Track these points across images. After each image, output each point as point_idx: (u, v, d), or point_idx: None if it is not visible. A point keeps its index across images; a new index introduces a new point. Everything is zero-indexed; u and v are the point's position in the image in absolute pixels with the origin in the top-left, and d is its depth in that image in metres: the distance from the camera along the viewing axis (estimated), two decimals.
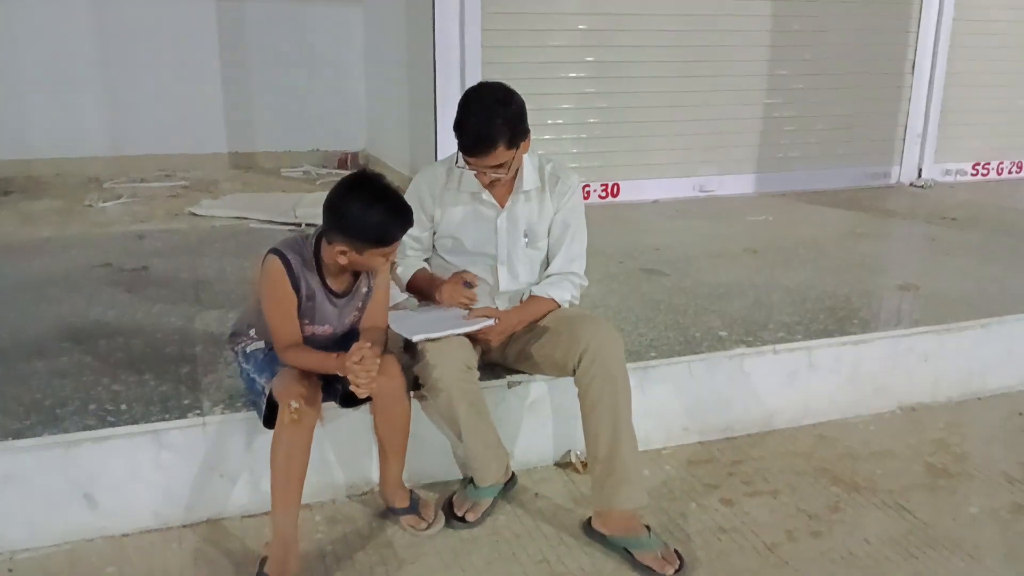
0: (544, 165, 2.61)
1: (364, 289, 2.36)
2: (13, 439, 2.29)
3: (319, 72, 6.66)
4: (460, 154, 2.45)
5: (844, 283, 3.78)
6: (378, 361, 2.16)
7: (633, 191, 5.49)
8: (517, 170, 2.52)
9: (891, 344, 3.21)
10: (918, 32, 5.85)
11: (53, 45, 6.00)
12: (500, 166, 2.41)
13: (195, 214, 4.88)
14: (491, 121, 2.34)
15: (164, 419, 2.42)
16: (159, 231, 4.54)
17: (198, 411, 2.46)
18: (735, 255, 4.23)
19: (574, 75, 5.24)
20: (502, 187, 2.53)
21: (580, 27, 5.16)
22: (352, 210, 2.14)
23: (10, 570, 2.26)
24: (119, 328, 3.11)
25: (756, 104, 5.68)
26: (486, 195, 2.54)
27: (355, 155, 6.67)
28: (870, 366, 3.20)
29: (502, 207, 2.57)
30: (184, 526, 2.46)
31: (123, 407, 2.47)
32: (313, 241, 2.26)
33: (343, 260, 2.19)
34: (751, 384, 3.04)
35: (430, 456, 2.70)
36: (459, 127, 2.38)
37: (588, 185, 5.36)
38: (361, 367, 2.12)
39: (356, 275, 2.34)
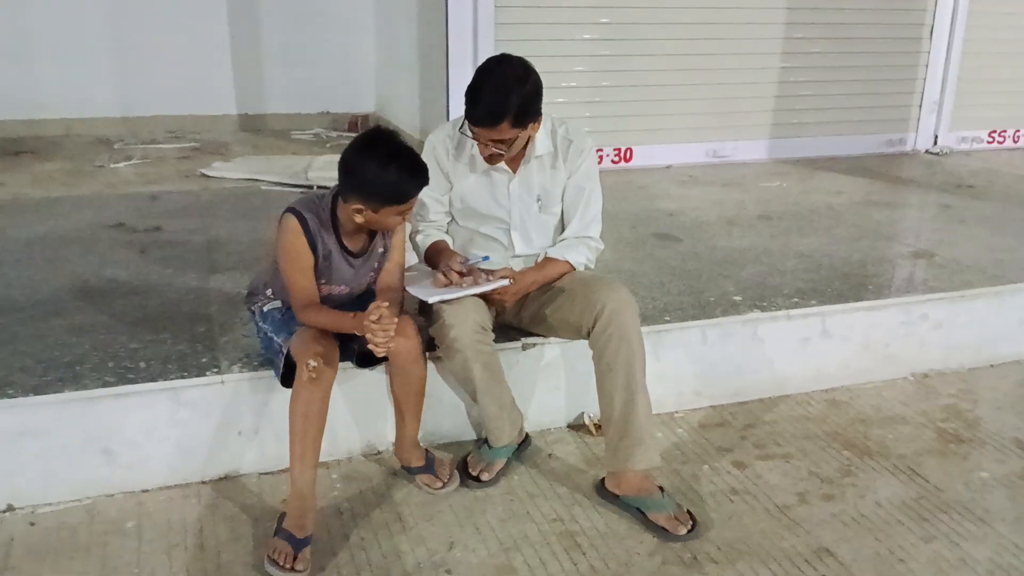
0: (557, 129, 2.58)
1: (380, 249, 2.36)
2: (33, 394, 2.31)
3: (329, 34, 6.59)
4: (466, 121, 2.43)
5: (858, 250, 3.76)
6: (395, 321, 2.17)
7: (646, 156, 5.45)
8: (528, 140, 2.49)
9: (904, 311, 3.20)
10: None
11: (63, 5, 5.95)
12: (502, 142, 2.38)
13: (206, 175, 4.87)
14: (502, 96, 2.31)
15: (182, 377, 2.43)
16: (171, 192, 4.54)
17: (216, 369, 2.48)
18: (749, 221, 4.21)
19: (588, 37, 5.18)
20: (515, 153, 2.51)
21: None
22: (368, 168, 2.13)
23: (31, 523, 2.29)
24: (134, 287, 3.12)
25: (771, 69, 5.61)
26: (493, 164, 2.52)
27: (365, 117, 6.62)
28: (883, 333, 3.20)
29: (514, 172, 2.55)
30: (202, 482, 2.49)
31: (142, 364, 2.49)
32: (330, 200, 2.26)
33: (359, 219, 2.19)
34: (764, 349, 3.05)
35: (445, 416, 2.73)
36: (470, 95, 2.35)
37: (601, 150, 5.32)
38: (379, 326, 2.13)
39: (372, 235, 2.34)
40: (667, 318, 2.94)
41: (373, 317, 2.13)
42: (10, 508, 2.33)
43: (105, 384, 2.38)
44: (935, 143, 6.06)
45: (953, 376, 3.30)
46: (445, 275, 2.41)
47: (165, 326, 2.77)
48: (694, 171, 5.33)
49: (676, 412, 2.98)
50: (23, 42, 5.93)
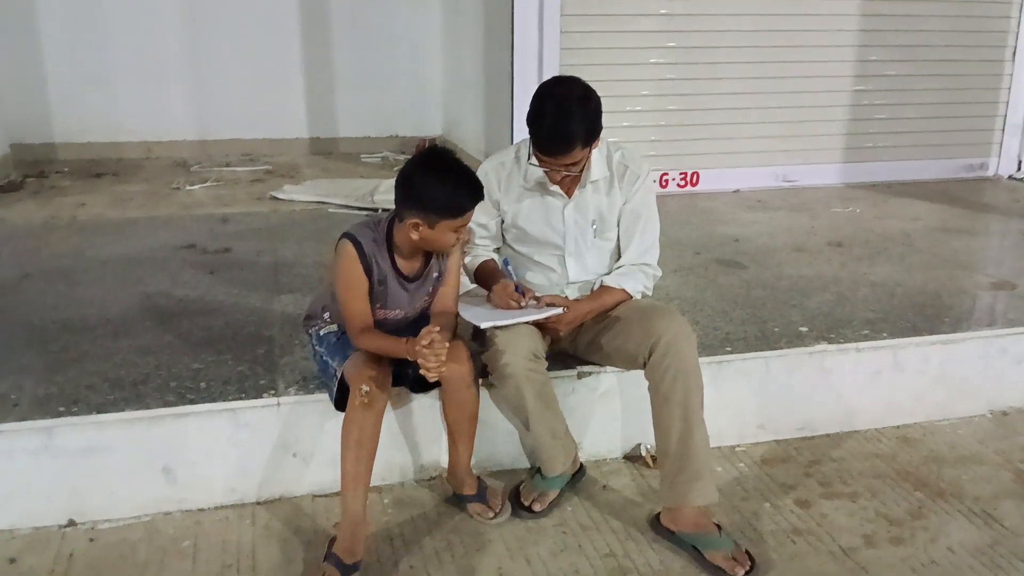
0: (613, 154, 2.55)
1: (435, 274, 2.36)
2: (97, 413, 2.37)
3: (399, 59, 6.70)
4: (533, 150, 2.42)
5: (934, 280, 3.61)
6: (446, 345, 2.16)
7: (713, 180, 5.36)
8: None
9: (983, 345, 3.06)
10: (1020, 17, 5.53)
11: (143, 33, 6.17)
12: (573, 164, 2.37)
13: (276, 198, 4.97)
14: (570, 120, 2.30)
15: (240, 398, 2.47)
16: (242, 214, 4.64)
17: (273, 391, 2.51)
18: (818, 248, 4.09)
19: (655, 61, 5.13)
20: (572, 176, 2.49)
21: (662, 11, 5.05)
22: (425, 182, 2.16)
23: (91, 539, 2.34)
24: (201, 308, 3.19)
25: (844, 91, 5.47)
26: (553, 185, 2.50)
27: (433, 141, 6.69)
28: (959, 367, 3.06)
29: (569, 197, 2.53)
30: (258, 503, 2.52)
31: (202, 385, 2.54)
32: (386, 225, 2.28)
33: (415, 235, 2.20)
34: (831, 383, 2.94)
35: (499, 444, 2.70)
36: (535, 124, 2.34)
37: (667, 174, 5.26)
38: (430, 351, 2.13)
39: (427, 259, 2.35)
40: (728, 348, 2.87)
41: (424, 342, 2.13)
42: (72, 523, 2.39)
43: (166, 404, 2.43)
44: (1019, 168, 5.81)
45: None
46: (499, 302, 2.40)
47: (228, 347, 2.83)
48: (762, 196, 5.22)
49: (738, 446, 2.90)
50: (107, 68, 6.17)
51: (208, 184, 5.38)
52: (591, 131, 2.33)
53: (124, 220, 4.52)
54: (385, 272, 2.28)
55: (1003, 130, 5.75)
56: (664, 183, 5.27)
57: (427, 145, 6.51)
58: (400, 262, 2.30)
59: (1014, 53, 5.61)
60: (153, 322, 3.05)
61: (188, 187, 5.27)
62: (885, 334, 3.01)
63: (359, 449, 2.19)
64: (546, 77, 4.86)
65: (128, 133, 6.30)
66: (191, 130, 6.44)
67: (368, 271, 2.25)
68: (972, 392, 3.09)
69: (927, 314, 3.20)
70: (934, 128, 5.66)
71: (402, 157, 6.38)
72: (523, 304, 2.38)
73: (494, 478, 2.67)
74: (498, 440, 2.70)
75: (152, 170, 5.82)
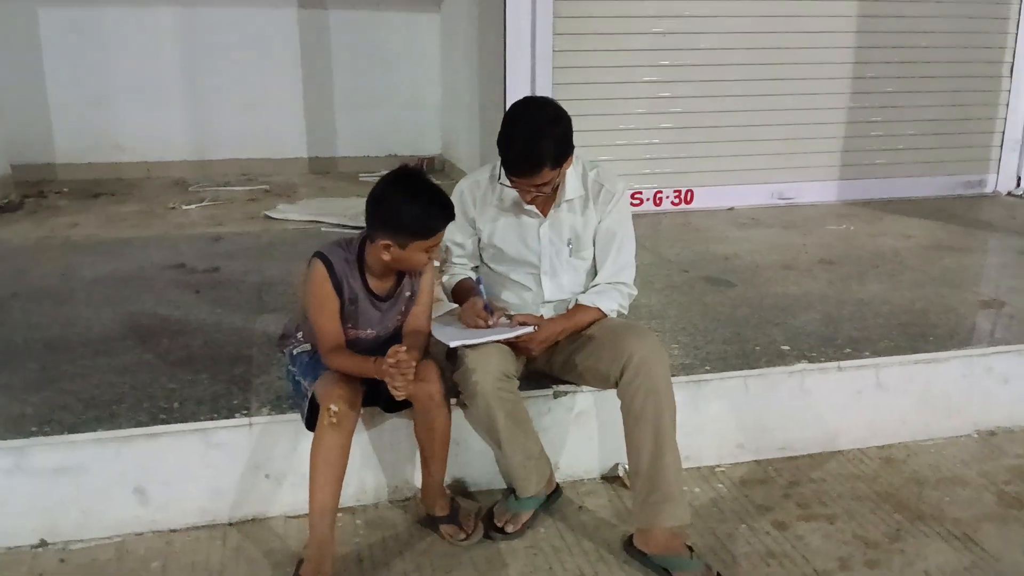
0: (588, 172, 2.55)
1: (407, 293, 2.36)
2: (68, 433, 2.38)
3: (397, 79, 6.73)
4: (502, 171, 2.42)
5: (922, 298, 3.58)
6: (413, 365, 2.15)
7: (708, 198, 5.34)
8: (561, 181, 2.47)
9: (967, 363, 3.03)
10: (1017, 32, 5.51)
11: (142, 53, 6.23)
12: (544, 184, 2.37)
13: (270, 217, 4.99)
14: (538, 141, 2.30)
15: (213, 418, 2.47)
16: (234, 233, 4.66)
17: (246, 411, 2.51)
18: (808, 266, 4.07)
19: (648, 79, 5.14)
20: (544, 195, 2.48)
21: (655, 30, 5.06)
22: (394, 202, 2.17)
23: (61, 560, 2.34)
24: (183, 327, 3.20)
25: (840, 108, 5.45)
26: (528, 205, 2.50)
27: (431, 160, 6.71)
28: (944, 386, 3.02)
29: (544, 216, 2.53)
30: (230, 524, 2.51)
31: (175, 405, 2.54)
32: (358, 244, 2.29)
33: (386, 256, 2.20)
34: (813, 402, 2.92)
35: (474, 464, 2.69)
36: (504, 145, 2.34)
37: (661, 192, 5.26)
38: (396, 370, 2.12)
39: (399, 279, 2.35)
40: (707, 368, 2.85)
41: (391, 360, 2.13)
42: (43, 543, 2.39)
43: (139, 424, 2.43)
44: (1018, 184, 5.77)
45: (1022, 434, 3.09)
46: (468, 321, 2.39)
47: (205, 366, 2.83)
48: (757, 213, 5.20)
49: (717, 466, 2.87)
50: (108, 89, 6.22)
51: (203, 204, 5.40)
52: (561, 152, 2.33)
53: (116, 240, 4.55)
54: (356, 291, 2.28)
55: (1001, 146, 5.71)
56: (658, 201, 5.27)
57: (425, 165, 6.60)
58: (372, 281, 2.30)
59: (1011, 69, 5.58)
60: (134, 341, 3.06)
61: (184, 207, 5.30)
62: (867, 353, 2.98)
63: (327, 469, 2.18)
64: (540, 95, 4.95)
65: (127, 153, 6.35)
66: (190, 150, 6.49)
67: (339, 290, 2.25)
68: (957, 412, 3.06)
69: (912, 333, 3.17)
70: (932, 145, 5.64)
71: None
72: (492, 323, 2.38)
73: (470, 499, 2.66)
74: (473, 460, 2.68)
75: (150, 190, 5.86)
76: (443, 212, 2.23)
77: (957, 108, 5.59)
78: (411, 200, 2.19)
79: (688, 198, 5.32)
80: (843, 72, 5.40)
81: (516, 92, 4.89)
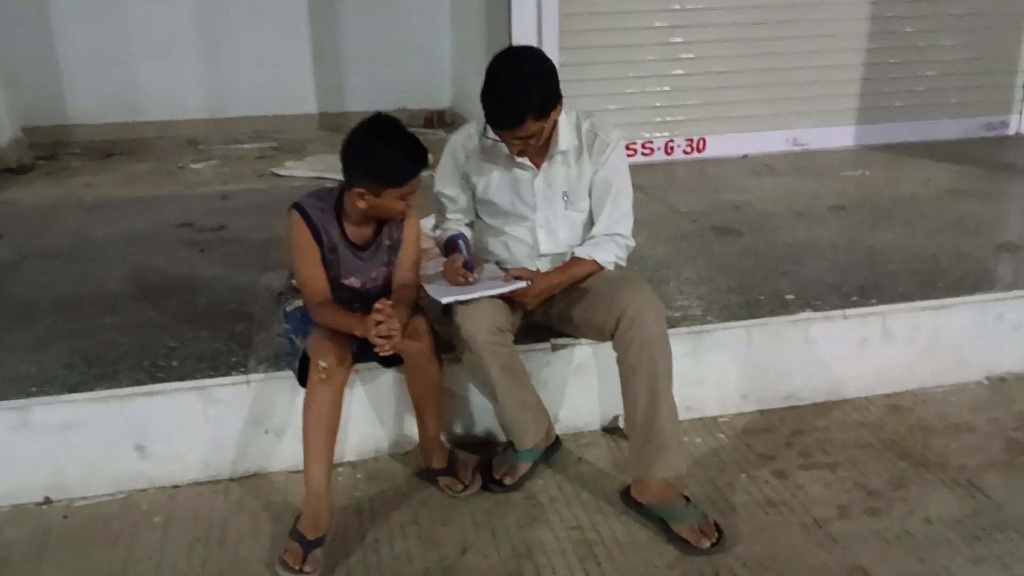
0: (582, 123, 2.49)
1: (387, 242, 2.36)
2: (69, 392, 2.41)
3: (408, 32, 6.63)
4: (488, 125, 2.38)
5: (934, 244, 3.50)
6: (396, 319, 2.14)
7: (721, 146, 5.24)
8: (552, 131, 2.42)
9: (978, 310, 2.97)
10: None
11: (155, 13, 6.19)
12: (530, 136, 2.32)
13: (277, 174, 4.99)
14: (519, 94, 2.25)
15: (210, 376, 2.49)
16: (242, 191, 4.67)
17: (243, 369, 2.52)
18: (820, 214, 3.99)
19: (659, 24, 5.01)
20: (539, 147, 2.44)
21: None
22: (368, 150, 2.16)
23: (65, 516, 2.39)
24: (188, 285, 3.22)
25: (858, 50, 5.29)
26: (521, 158, 2.45)
27: (441, 113, 6.64)
28: (952, 334, 2.97)
29: (538, 168, 2.49)
30: (231, 479, 2.55)
31: (174, 363, 2.56)
32: (336, 193, 2.28)
33: (361, 204, 2.20)
34: (817, 351, 2.88)
35: (475, 417, 2.70)
36: (485, 98, 2.29)
37: (672, 141, 5.17)
38: (383, 326, 2.11)
39: (379, 228, 2.33)
40: (709, 318, 2.82)
41: (378, 317, 2.12)
42: (47, 500, 2.44)
43: (137, 382, 2.46)
44: None
45: None
46: (448, 278, 2.38)
47: (208, 324, 2.85)
48: (772, 161, 5.10)
49: (720, 416, 2.86)
50: (120, 48, 6.20)
51: (213, 162, 5.40)
52: (545, 103, 2.28)
53: (128, 199, 4.57)
54: (335, 240, 2.28)
55: None
56: (670, 150, 5.18)
57: (436, 119, 6.54)
58: (350, 230, 2.30)
59: None
60: (141, 300, 3.08)
61: (193, 165, 5.30)
62: (874, 301, 2.93)
63: (319, 424, 2.20)
64: (546, 46, 4.86)
65: (141, 113, 6.34)
66: (203, 108, 6.47)
67: (317, 239, 2.26)
68: (967, 359, 3.01)
69: (920, 279, 3.11)
70: (952, 86, 5.48)
71: (411, 130, 6.33)
72: (472, 280, 2.36)
73: (470, 451, 2.67)
74: (473, 413, 2.69)
75: (163, 149, 5.87)
76: (416, 159, 2.20)
77: (978, 47, 5.41)
78: (384, 147, 2.16)
79: (701, 146, 5.23)
80: (860, 12, 5.23)
81: (522, 41, 4.79)
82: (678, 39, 5.06)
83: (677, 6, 5.01)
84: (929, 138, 5.44)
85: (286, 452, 2.56)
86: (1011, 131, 5.60)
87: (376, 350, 2.15)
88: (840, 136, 5.42)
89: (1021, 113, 5.57)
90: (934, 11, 5.29)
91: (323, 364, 2.17)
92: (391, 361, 2.45)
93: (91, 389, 2.42)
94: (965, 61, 5.41)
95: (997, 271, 3.25)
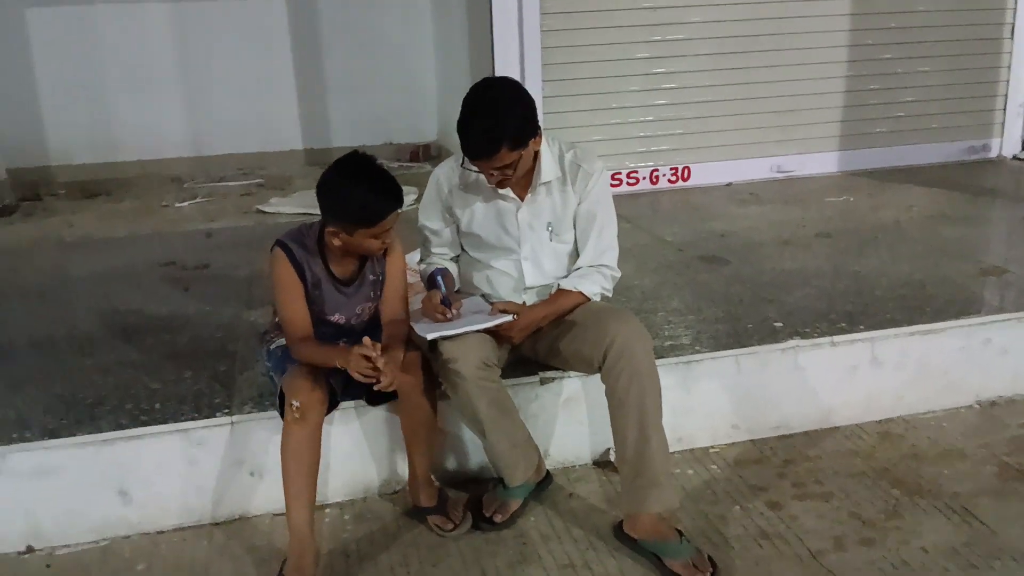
0: (565, 153, 2.49)
1: (371, 277, 2.34)
2: (49, 438, 2.36)
3: (392, 65, 6.65)
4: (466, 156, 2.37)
5: (920, 269, 3.50)
6: (385, 362, 2.11)
7: (705, 174, 5.25)
8: (534, 163, 2.41)
9: (965, 334, 2.96)
10: None
11: (135, 50, 6.19)
12: (507, 167, 2.31)
13: (262, 211, 4.97)
14: (494, 124, 2.24)
15: (194, 418, 2.45)
16: (225, 229, 4.64)
17: (227, 409, 2.48)
18: (805, 241, 4.00)
19: (641, 56, 5.05)
20: (522, 179, 2.43)
21: (645, 4, 4.97)
22: (338, 189, 2.15)
23: (48, 565, 2.33)
24: (169, 325, 3.18)
25: (838, 77, 5.34)
26: (504, 190, 2.44)
27: (427, 147, 6.65)
28: (941, 359, 2.96)
29: (522, 200, 2.47)
30: (215, 523, 2.49)
31: (156, 405, 2.52)
32: (318, 228, 2.27)
33: (337, 242, 2.19)
34: (806, 379, 2.86)
35: (465, 454, 2.66)
36: (460, 128, 2.29)
37: (657, 170, 5.18)
38: (365, 364, 2.08)
39: (362, 262, 2.32)
40: (698, 348, 2.80)
41: (363, 351, 2.09)
42: (30, 549, 2.38)
43: (119, 426, 2.41)
44: (1022, 148, 5.65)
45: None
46: (427, 314, 2.36)
47: (189, 364, 2.80)
48: (756, 188, 5.12)
49: (711, 447, 2.83)
50: (100, 87, 6.20)
51: (197, 200, 5.38)
52: (520, 133, 2.27)
53: (109, 239, 4.53)
54: (319, 276, 2.27)
55: (1005, 109, 5.59)
56: (655, 179, 5.20)
57: (422, 152, 6.55)
58: (333, 265, 2.29)
59: (1013, 30, 5.45)
60: (120, 340, 3.04)
61: (177, 204, 5.28)
62: (861, 327, 2.92)
63: (296, 464, 2.16)
64: (528, 79, 4.88)
65: (123, 152, 6.32)
66: (187, 146, 6.46)
67: (301, 275, 2.23)
68: (956, 384, 2.99)
69: (907, 305, 3.11)
70: (934, 111, 5.52)
71: (395, 165, 6.36)
72: (450, 316, 2.33)
73: (460, 488, 2.62)
74: (464, 450, 2.65)
75: (146, 188, 5.83)
76: (387, 199, 2.18)
77: (958, 72, 5.47)
78: (355, 186, 2.15)
79: (685, 175, 5.24)
80: (840, 40, 5.29)
81: (505, 74, 4.82)
82: (660, 69, 5.09)
83: (658, 37, 5.05)
84: (911, 163, 5.48)
85: (270, 494, 2.50)
86: (993, 154, 5.65)
87: (355, 377, 2.11)
88: (823, 162, 5.44)
89: (1002, 136, 5.62)
90: (912, 37, 5.35)
91: (296, 403, 2.13)
92: (378, 399, 2.42)
93: (71, 434, 2.37)
94: (945, 86, 5.47)
95: (983, 295, 3.25)
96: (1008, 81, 5.53)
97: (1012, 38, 5.44)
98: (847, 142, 5.46)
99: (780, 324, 2.97)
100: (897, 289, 3.28)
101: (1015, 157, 5.62)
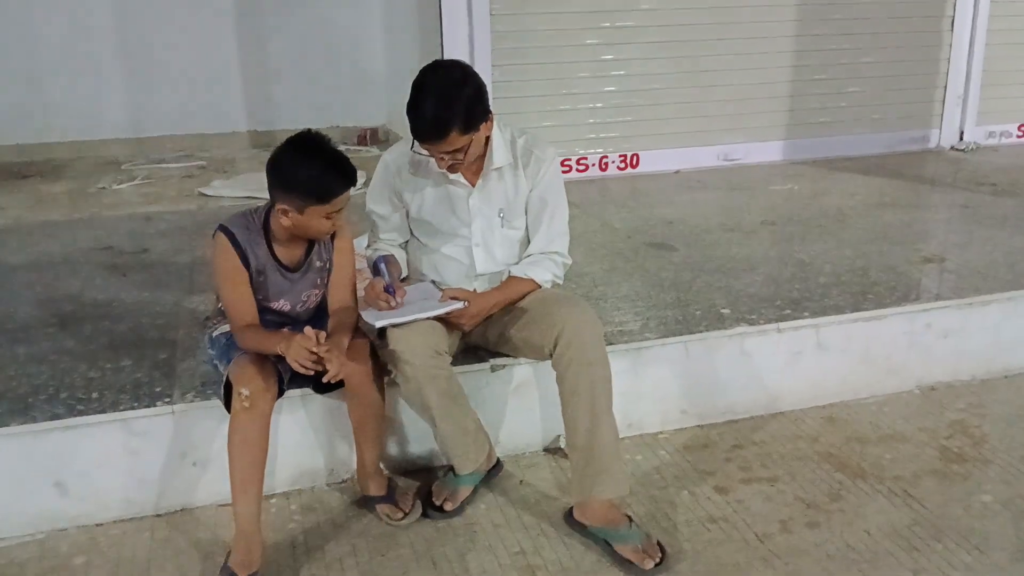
0: (517, 139, 2.46)
1: (318, 263, 2.29)
2: None
3: (338, 47, 6.54)
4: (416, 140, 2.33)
5: (863, 256, 3.57)
6: (330, 351, 2.07)
7: (654, 162, 5.28)
8: (485, 148, 2.38)
9: (907, 320, 3.02)
10: None
11: (72, 27, 5.99)
12: (457, 150, 2.27)
13: (204, 194, 4.84)
14: (444, 106, 2.20)
15: (133, 407, 2.37)
16: (166, 212, 4.51)
17: (169, 398, 2.41)
18: (751, 228, 4.04)
19: (590, 42, 5.04)
20: (473, 165, 2.40)
21: None
22: (292, 165, 2.10)
23: None
24: (107, 312, 3.08)
25: (784, 67, 5.41)
26: (455, 175, 2.41)
27: (375, 131, 6.56)
28: (884, 344, 3.02)
29: (473, 186, 2.44)
30: (157, 515, 2.43)
31: (94, 395, 2.44)
32: (263, 213, 2.21)
33: (286, 221, 2.14)
34: (753, 365, 2.89)
35: (414, 442, 2.62)
36: (411, 112, 2.25)
37: (606, 156, 5.19)
38: (306, 353, 2.04)
39: (309, 248, 2.26)
40: (648, 334, 2.80)
41: (304, 342, 2.05)
42: None
43: (55, 416, 2.33)
44: (960, 139, 5.80)
45: (963, 388, 3.10)
46: (369, 303, 2.32)
47: (128, 352, 2.72)
48: (703, 175, 5.16)
49: (660, 432, 2.84)
50: (34, 65, 5.97)
51: (136, 182, 5.22)
52: (470, 116, 2.24)
53: (45, 223, 4.37)
54: (263, 262, 2.21)
55: (944, 101, 5.72)
56: (604, 166, 5.20)
57: (369, 136, 6.45)
58: (278, 250, 2.23)
59: (952, 23, 5.58)
60: (56, 328, 2.93)
61: (115, 186, 5.12)
62: (807, 313, 2.96)
63: (244, 454, 2.11)
64: (478, 64, 4.84)
65: (58, 133, 6.11)
66: (125, 127, 6.26)
67: (244, 261, 2.18)
68: (898, 369, 3.06)
69: (851, 291, 3.16)
70: (876, 102, 5.63)
71: (342, 148, 6.23)
72: (394, 304, 2.29)
73: (409, 477, 2.59)
74: (412, 438, 2.62)
75: (81, 169, 5.65)
76: (341, 176, 2.14)
77: (900, 64, 5.58)
78: (309, 163, 2.11)
79: (634, 162, 5.26)
80: (787, 31, 5.35)
81: (454, 57, 4.77)
82: (610, 56, 5.09)
83: (607, 24, 5.04)
84: (854, 152, 5.57)
85: (214, 485, 2.44)
86: (932, 145, 5.78)
87: (293, 367, 2.07)
88: (769, 151, 5.51)
89: (941, 127, 5.75)
90: (855, 29, 5.44)
91: (245, 392, 2.08)
92: (325, 387, 2.37)
93: (3, 424, 2.28)
94: (887, 78, 5.57)
95: (923, 282, 3.32)
96: (948, 73, 5.66)
97: (952, 31, 5.57)
98: (792, 131, 5.53)
99: (727, 311, 2.99)
100: (841, 276, 3.33)
101: (953, 148, 5.76)
